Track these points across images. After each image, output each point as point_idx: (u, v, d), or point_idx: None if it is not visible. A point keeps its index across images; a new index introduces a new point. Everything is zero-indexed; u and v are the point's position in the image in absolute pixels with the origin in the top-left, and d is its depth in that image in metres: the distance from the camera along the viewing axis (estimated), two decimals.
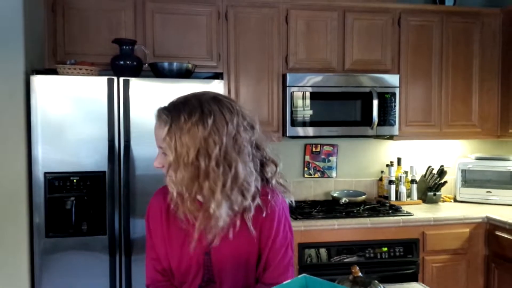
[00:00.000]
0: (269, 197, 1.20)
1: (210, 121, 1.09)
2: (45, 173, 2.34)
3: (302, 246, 2.69)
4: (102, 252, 2.38)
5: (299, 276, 0.88)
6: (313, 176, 3.34)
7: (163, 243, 1.23)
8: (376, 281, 1.21)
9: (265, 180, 1.22)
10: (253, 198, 1.16)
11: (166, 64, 2.54)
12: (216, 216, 1.11)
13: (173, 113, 1.12)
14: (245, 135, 1.14)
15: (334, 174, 3.36)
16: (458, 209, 3.09)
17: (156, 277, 1.26)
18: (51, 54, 2.68)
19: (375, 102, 2.94)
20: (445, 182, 3.28)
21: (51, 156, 2.35)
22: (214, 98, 1.15)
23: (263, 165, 1.22)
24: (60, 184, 2.36)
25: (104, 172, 2.40)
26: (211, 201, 1.11)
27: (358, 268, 1.23)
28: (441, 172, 3.28)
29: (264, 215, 1.19)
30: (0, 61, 2.31)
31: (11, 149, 2.35)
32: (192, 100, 1.14)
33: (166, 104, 1.18)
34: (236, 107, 1.16)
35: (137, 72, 2.55)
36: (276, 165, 1.24)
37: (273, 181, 1.23)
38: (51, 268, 2.37)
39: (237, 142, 1.12)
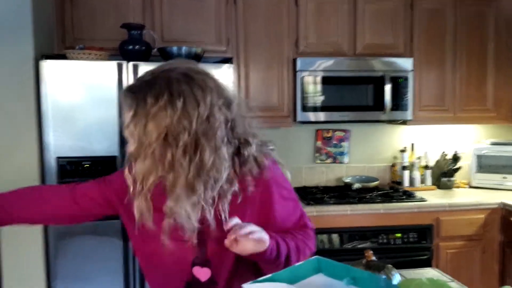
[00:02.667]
0: (248, 177, 1.09)
1: (179, 104, 0.97)
2: (57, 158, 2.34)
3: (315, 232, 2.65)
4: (114, 236, 2.39)
5: (312, 258, 0.86)
6: (324, 161, 3.31)
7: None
8: (390, 265, 1.19)
9: (244, 159, 1.09)
10: (230, 184, 1.05)
11: (175, 49, 2.51)
12: (175, 213, 1.00)
13: (138, 95, 0.99)
14: (220, 115, 1.01)
15: (346, 160, 3.32)
16: (473, 195, 3.04)
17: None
18: (60, 40, 2.67)
19: (388, 87, 2.88)
20: (460, 167, 3.22)
21: (62, 142, 2.35)
22: (185, 75, 1.01)
23: (242, 144, 1.08)
24: (72, 168, 2.36)
25: (115, 157, 2.40)
26: (170, 196, 1.00)
27: (371, 252, 1.20)
28: (456, 158, 3.22)
29: (242, 198, 1.07)
30: (10, 47, 2.30)
31: (23, 135, 2.36)
32: (159, 79, 1.00)
33: (133, 81, 1.07)
34: (210, 84, 1.03)
35: (146, 56, 2.52)
36: (256, 139, 1.11)
37: (254, 155, 1.10)
38: (65, 252, 2.39)
39: (210, 124, 0.99)
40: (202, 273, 1.12)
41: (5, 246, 2.38)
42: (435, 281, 1.03)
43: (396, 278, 1.16)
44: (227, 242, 1.00)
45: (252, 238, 0.99)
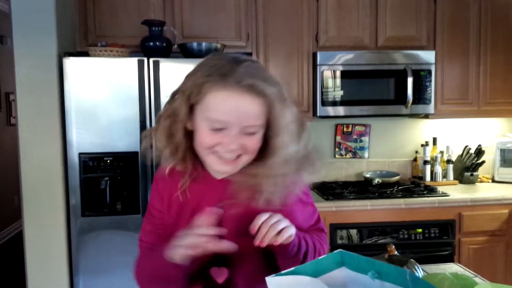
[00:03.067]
0: None
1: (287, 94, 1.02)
2: (80, 154, 2.39)
3: (334, 227, 2.66)
4: (136, 231, 2.42)
5: (335, 251, 0.85)
6: (344, 156, 3.29)
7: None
8: (412, 260, 1.18)
9: None
10: None
11: (195, 45, 2.53)
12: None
13: (270, 81, 0.97)
14: None
15: (366, 155, 3.30)
16: (496, 189, 2.98)
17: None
18: (82, 38, 2.71)
19: (410, 80, 2.84)
20: (483, 162, 3.17)
21: (84, 138, 2.40)
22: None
23: None
24: (94, 164, 2.41)
25: (136, 152, 2.43)
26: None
27: (394, 246, 1.20)
28: (479, 152, 3.17)
29: None
30: (34, 44, 2.36)
31: (47, 131, 2.41)
32: (259, 64, 1.03)
33: (238, 74, 0.95)
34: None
35: (167, 53, 2.55)
36: None
37: None
38: (87, 247, 2.44)
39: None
40: (219, 274, 1.09)
41: (29, 243, 2.44)
42: (459, 275, 1.02)
43: (419, 273, 1.15)
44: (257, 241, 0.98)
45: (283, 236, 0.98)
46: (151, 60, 2.41)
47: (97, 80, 2.38)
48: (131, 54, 2.52)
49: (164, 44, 2.53)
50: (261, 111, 0.97)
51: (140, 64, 2.40)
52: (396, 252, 1.18)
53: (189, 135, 1.02)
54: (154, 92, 2.41)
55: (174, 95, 1.03)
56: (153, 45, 2.50)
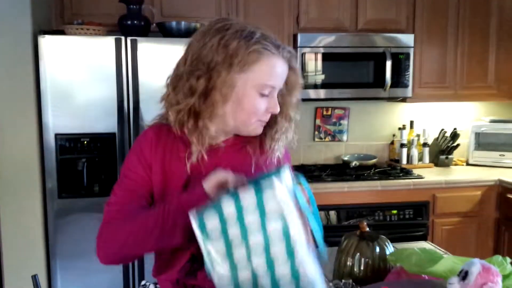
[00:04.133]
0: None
1: None
2: (56, 135, 2.35)
3: None
4: None
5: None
6: (323, 140, 3.32)
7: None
8: (383, 236, 1.21)
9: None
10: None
11: (174, 24, 2.49)
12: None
13: (288, 48, 1.06)
14: None
15: (345, 138, 3.33)
16: (470, 172, 3.06)
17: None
18: (58, 16, 2.65)
19: (388, 63, 2.87)
20: (458, 145, 3.24)
21: (61, 119, 2.36)
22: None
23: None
24: (71, 145, 2.38)
25: (114, 133, 2.41)
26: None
27: (365, 223, 1.23)
28: (454, 135, 3.23)
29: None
30: (8, 23, 2.30)
31: (22, 112, 2.37)
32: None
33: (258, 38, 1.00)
34: None
35: (145, 32, 2.51)
36: None
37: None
38: (64, 230, 2.41)
39: None
40: None
41: (5, 226, 2.41)
42: (426, 250, 1.05)
43: (389, 248, 1.19)
44: None
45: None
46: (128, 39, 2.37)
47: (73, 60, 2.34)
48: (109, 33, 2.47)
49: (143, 23, 2.49)
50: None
51: (118, 43, 2.36)
52: (367, 229, 1.21)
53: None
54: (132, 71, 2.38)
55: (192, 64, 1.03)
56: (131, 23, 2.46)
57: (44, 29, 2.46)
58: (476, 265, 0.80)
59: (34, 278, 1.18)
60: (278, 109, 1.05)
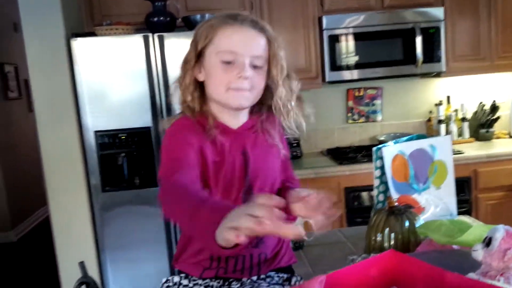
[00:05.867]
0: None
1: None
2: (95, 132, 2.46)
3: (348, 191, 2.69)
4: (154, 204, 2.49)
5: None
6: (357, 121, 3.28)
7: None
8: (411, 210, 1.20)
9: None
10: None
11: (198, 17, 2.53)
12: None
13: (267, 25, 1.11)
14: None
15: (379, 118, 3.28)
16: None
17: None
18: (88, 18, 2.75)
19: (419, 39, 2.79)
20: (498, 117, 3.12)
21: (98, 117, 2.46)
22: None
23: None
24: (110, 141, 2.48)
25: (149, 127, 2.49)
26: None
27: (393, 199, 1.22)
28: (494, 108, 3.12)
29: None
30: (42, 28, 2.41)
31: (62, 113, 2.48)
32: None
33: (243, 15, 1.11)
34: None
35: (171, 27, 2.56)
36: None
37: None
38: (110, 222, 2.52)
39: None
40: None
41: (56, 224, 2.55)
42: (455, 221, 1.04)
43: (420, 221, 1.18)
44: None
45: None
46: (155, 35, 2.44)
47: (105, 60, 2.43)
48: (137, 31, 2.54)
49: (168, 19, 2.54)
50: (264, 44, 1.09)
51: (146, 40, 2.43)
52: (396, 204, 1.21)
53: (201, 90, 1.13)
54: (161, 67, 2.45)
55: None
56: (157, 20, 2.52)
57: (76, 32, 2.56)
58: (500, 231, 0.79)
59: (81, 264, 1.25)
60: (246, 73, 1.06)
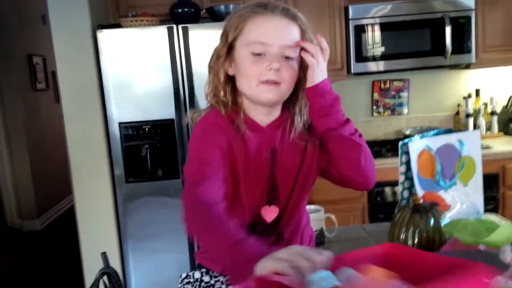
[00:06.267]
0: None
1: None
2: (119, 123, 2.49)
3: None
4: (176, 196, 2.53)
5: None
6: (382, 114, 3.22)
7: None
8: (437, 208, 1.17)
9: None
10: None
11: (222, 8, 2.52)
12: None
13: (299, 12, 1.08)
14: None
15: (405, 111, 3.21)
16: None
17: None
18: (114, 9, 2.77)
19: (448, 29, 2.71)
20: None
21: (123, 108, 2.49)
22: None
23: None
24: (134, 133, 2.51)
25: (172, 119, 2.50)
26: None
27: (418, 196, 1.19)
28: None
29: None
30: (68, 20, 2.45)
31: (87, 105, 2.53)
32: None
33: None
34: None
35: (196, 18, 2.56)
36: None
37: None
38: (133, 212, 2.56)
39: None
40: (270, 212, 1.15)
41: (80, 213, 2.61)
42: (482, 220, 1.01)
43: (446, 220, 1.15)
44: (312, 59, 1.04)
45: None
46: (180, 27, 2.44)
47: (130, 51, 2.45)
48: (161, 23, 2.55)
49: (192, 10, 2.54)
50: (297, 34, 1.05)
51: (170, 32, 2.43)
52: (421, 201, 1.18)
53: (233, 84, 1.09)
54: (185, 58, 2.45)
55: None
56: (181, 11, 2.52)
57: (102, 23, 2.59)
58: None
59: (104, 255, 1.27)
60: (276, 65, 1.02)
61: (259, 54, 1.03)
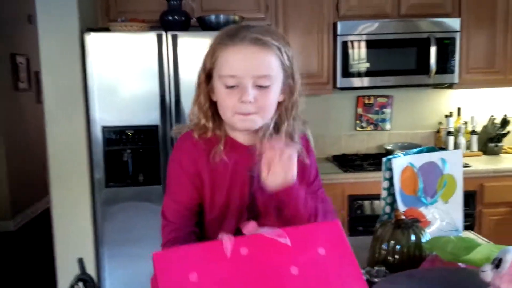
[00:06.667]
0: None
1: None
2: (102, 127, 2.46)
3: (352, 199, 2.67)
4: (157, 202, 2.50)
5: None
6: (365, 129, 3.27)
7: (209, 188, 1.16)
8: (418, 224, 1.19)
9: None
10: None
11: (213, 17, 2.53)
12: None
13: (274, 36, 1.04)
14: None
15: (388, 127, 3.26)
16: None
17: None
18: (103, 14, 2.75)
19: (433, 49, 2.77)
20: (508, 132, 3.09)
21: (107, 112, 2.46)
22: None
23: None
24: (116, 137, 2.48)
25: (156, 126, 2.48)
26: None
27: (400, 211, 1.21)
28: (504, 122, 3.09)
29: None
30: (56, 21, 2.42)
31: (71, 107, 2.49)
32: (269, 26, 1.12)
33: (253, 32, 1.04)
34: None
35: (185, 26, 2.56)
36: None
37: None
38: (111, 218, 2.51)
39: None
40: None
41: (57, 215, 2.55)
42: (463, 238, 1.03)
43: (426, 236, 1.16)
44: (263, 164, 1.01)
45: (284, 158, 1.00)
46: (169, 34, 2.44)
47: (117, 56, 2.43)
48: (151, 29, 2.54)
49: (183, 18, 2.54)
50: (270, 61, 1.03)
51: (159, 38, 2.43)
52: (403, 217, 1.19)
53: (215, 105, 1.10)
54: (173, 66, 2.45)
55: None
56: (172, 19, 2.52)
57: (90, 26, 2.57)
58: (510, 252, 0.78)
59: (80, 261, 1.25)
60: (248, 98, 1.01)
61: (232, 87, 1.02)
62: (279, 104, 1.11)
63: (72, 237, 2.56)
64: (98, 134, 2.47)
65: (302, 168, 1.15)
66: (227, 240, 0.82)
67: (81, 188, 2.53)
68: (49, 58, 2.45)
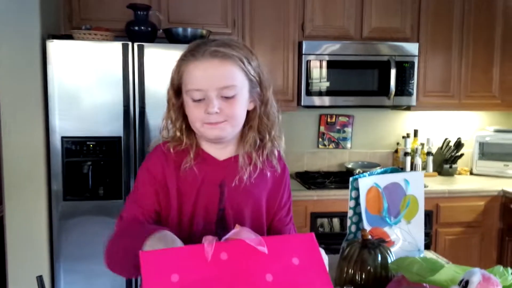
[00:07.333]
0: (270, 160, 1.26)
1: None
2: (62, 138, 2.37)
3: (314, 216, 2.70)
4: (117, 217, 2.42)
5: None
6: (327, 147, 3.33)
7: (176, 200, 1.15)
8: (385, 245, 1.21)
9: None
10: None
11: (180, 30, 2.52)
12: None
13: (235, 47, 1.08)
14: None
15: (349, 145, 3.34)
16: (474, 182, 3.06)
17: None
18: (66, 20, 2.68)
19: (393, 72, 2.88)
20: (462, 154, 3.24)
21: (67, 122, 2.38)
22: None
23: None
24: (77, 148, 2.40)
25: (119, 137, 2.43)
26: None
27: (367, 231, 1.23)
28: (458, 145, 3.23)
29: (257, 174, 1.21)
30: (17, 27, 2.33)
31: (29, 115, 2.39)
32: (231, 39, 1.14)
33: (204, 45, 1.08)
34: None
35: (152, 38, 2.54)
36: None
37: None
38: (68, 232, 2.43)
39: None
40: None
41: (10, 227, 2.43)
42: (428, 259, 1.06)
43: (391, 257, 1.19)
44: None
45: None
46: (135, 44, 2.40)
47: (80, 64, 2.36)
48: (116, 38, 2.50)
49: (149, 29, 2.52)
50: (232, 71, 1.06)
51: (125, 49, 2.39)
52: (369, 237, 1.21)
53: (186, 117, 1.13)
54: (138, 77, 2.40)
55: None
56: (138, 29, 2.49)
57: (52, 33, 2.49)
58: (476, 275, 0.81)
59: (39, 278, 1.19)
60: (213, 109, 1.04)
61: (199, 100, 1.06)
62: (251, 112, 1.14)
63: (27, 251, 2.44)
64: (57, 144, 2.38)
65: (275, 189, 1.22)
66: (208, 245, 0.86)
67: (37, 200, 2.42)
68: (8, 63, 2.34)
